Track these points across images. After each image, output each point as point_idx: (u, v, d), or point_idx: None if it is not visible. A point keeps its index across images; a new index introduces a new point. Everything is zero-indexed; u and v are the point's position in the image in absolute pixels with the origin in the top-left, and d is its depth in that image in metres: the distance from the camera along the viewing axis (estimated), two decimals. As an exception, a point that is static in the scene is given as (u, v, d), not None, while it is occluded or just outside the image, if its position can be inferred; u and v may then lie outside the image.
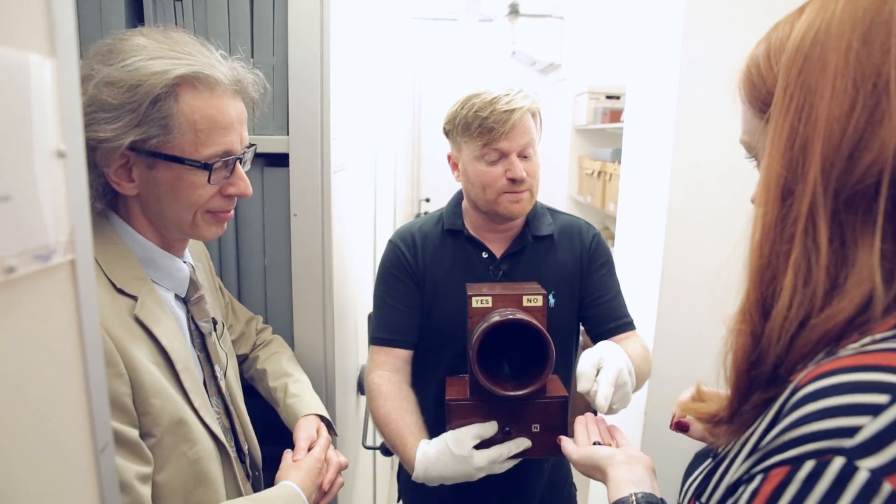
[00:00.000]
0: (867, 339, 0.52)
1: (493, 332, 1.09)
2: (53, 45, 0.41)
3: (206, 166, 0.91)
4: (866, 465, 0.45)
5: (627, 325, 1.42)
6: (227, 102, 0.93)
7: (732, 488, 0.58)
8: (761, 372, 0.60)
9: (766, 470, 0.51)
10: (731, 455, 0.62)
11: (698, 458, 0.76)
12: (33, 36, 0.40)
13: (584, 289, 1.42)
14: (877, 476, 0.45)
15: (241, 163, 0.98)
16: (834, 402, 0.48)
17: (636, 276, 2.05)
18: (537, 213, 1.42)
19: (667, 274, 1.84)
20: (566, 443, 1.03)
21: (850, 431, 0.46)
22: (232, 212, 1.01)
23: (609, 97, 3.72)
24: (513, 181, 1.28)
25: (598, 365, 1.11)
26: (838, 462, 0.46)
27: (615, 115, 3.48)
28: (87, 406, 0.45)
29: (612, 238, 2.39)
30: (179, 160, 0.89)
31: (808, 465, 0.48)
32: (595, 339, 1.44)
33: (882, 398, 0.47)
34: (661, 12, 1.87)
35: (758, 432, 0.57)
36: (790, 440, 0.50)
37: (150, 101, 0.85)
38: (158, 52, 0.87)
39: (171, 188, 0.91)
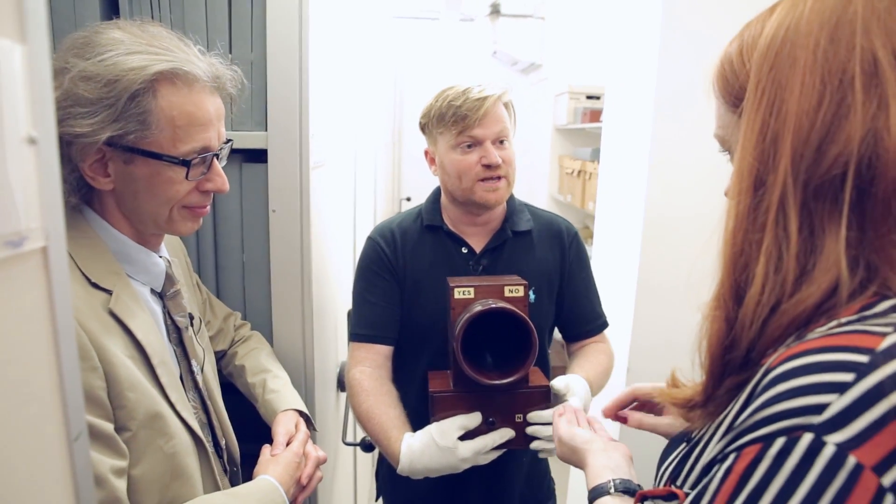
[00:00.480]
0: (833, 323, 0.54)
1: (476, 323, 1.10)
2: (24, 31, 0.41)
3: (185, 162, 0.91)
4: (833, 440, 0.47)
5: (602, 326, 1.49)
6: (205, 98, 0.93)
7: (707, 468, 0.59)
8: (735, 356, 0.62)
9: (739, 448, 0.53)
10: (706, 438, 0.64)
11: (673, 443, 0.78)
12: (3, 21, 0.40)
13: (565, 289, 1.45)
14: (843, 450, 0.47)
15: (217, 158, 0.98)
16: (803, 382, 0.50)
17: (614, 275, 2.07)
18: (515, 209, 1.44)
19: (644, 272, 1.86)
20: (556, 419, 1.04)
21: (818, 409, 0.48)
22: (208, 207, 1.00)
23: (589, 97, 3.75)
24: (488, 167, 1.30)
25: (562, 394, 1.19)
26: (807, 438, 0.48)
27: (595, 115, 3.50)
28: (60, 394, 0.45)
29: (592, 237, 2.41)
30: (157, 156, 0.89)
31: (779, 442, 0.50)
32: (571, 338, 1.49)
33: (847, 377, 0.49)
34: (639, 14, 1.89)
35: (731, 414, 0.59)
36: (762, 419, 0.52)
37: (129, 97, 0.84)
38: (136, 47, 0.87)
39: (147, 183, 0.91)
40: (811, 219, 0.57)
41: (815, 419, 0.48)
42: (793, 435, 0.49)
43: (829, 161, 0.55)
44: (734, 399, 0.61)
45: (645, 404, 1.04)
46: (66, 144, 0.85)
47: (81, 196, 0.92)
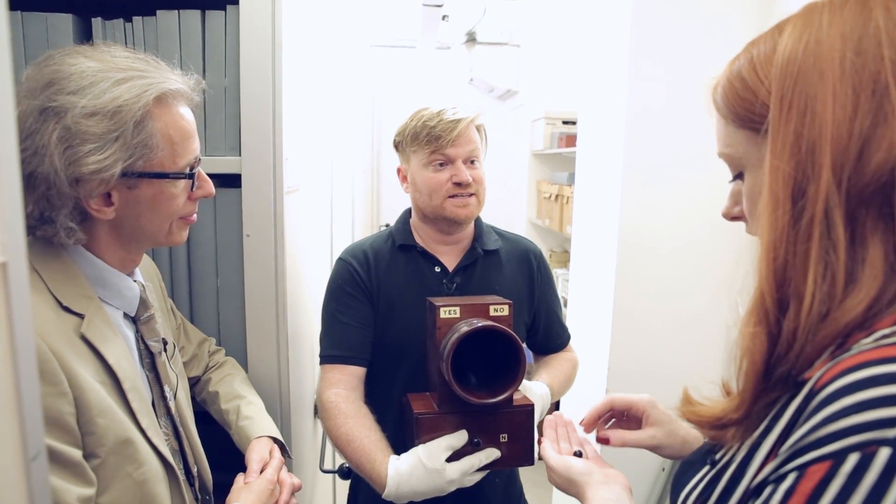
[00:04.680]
0: (879, 334, 0.54)
1: (464, 342, 1.10)
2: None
3: (190, 175, 0.95)
4: None
5: (568, 339, 1.57)
6: (185, 110, 0.96)
7: (756, 491, 0.57)
8: (782, 371, 0.60)
9: (802, 467, 0.51)
10: (738, 460, 0.62)
11: (688, 466, 0.76)
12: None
13: (537, 309, 1.49)
14: None
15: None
16: (870, 395, 0.49)
17: (591, 297, 2.08)
18: (483, 230, 1.47)
19: (619, 294, 1.88)
20: (546, 446, 1.01)
21: (892, 422, 0.47)
22: (196, 214, 1.04)
23: (565, 122, 3.80)
24: (458, 185, 1.34)
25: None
26: (885, 453, 0.46)
27: (571, 140, 3.54)
28: (18, 413, 0.44)
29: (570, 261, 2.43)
30: (164, 175, 0.92)
31: (853, 458, 0.48)
32: (541, 352, 1.55)
33: None
34: (609, 40, 1.93)
35: (774, 433, 0.57)
36: (827, 435, 0.50)
37: (133, 125, 0.87)
38: (119, 74, 0.88)
39: (151, 204, 0.93)
40: (855, 226, 0.57)
41: (891, 433, 0.47)
42: (867, 450, 0.47)
43: (872, 168, 0.55)
44: (766, 417, 0.60)
45: (621, 416, 1.03)
46: (74, 183, 0.85)
47: (84, 228, 0.91)
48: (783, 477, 0.52)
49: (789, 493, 0.51)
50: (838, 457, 0.48)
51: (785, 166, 0.59)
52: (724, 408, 0.67)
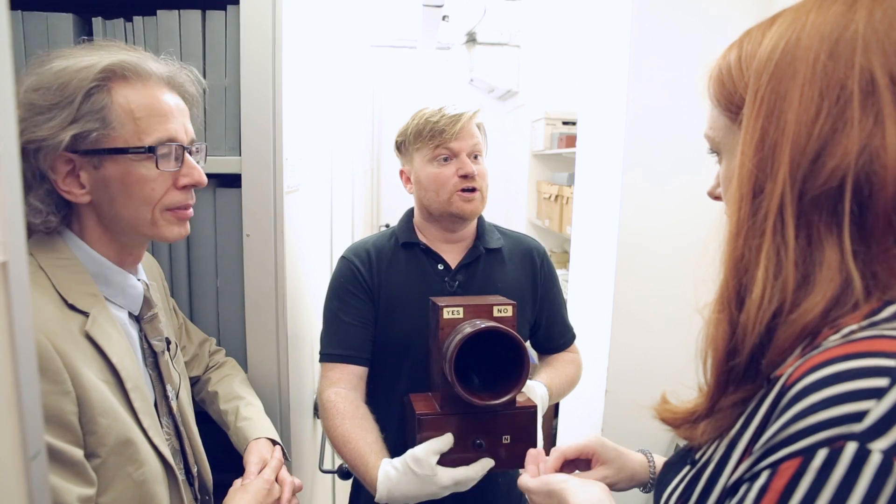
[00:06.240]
0: (846, 330, 0.54)
1: (467, 343, 1.10)
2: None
3: (151, 150, 0.91)
4: (878, 447, 0.46)
5: (572, 338, 1.57)
6: (161, 92, 0.94)
7: (732, 489, 0.57)
8: (738, 363, 0.61)
9: (774, 465, 0.51)
10: (717, 458, 0.63)
11: (670, 468, 0.77)
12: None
13: (540, 307, 1.48)
14: (888, 457, 0.46)
15: (190, 154, 0.98)
16: (837, 391, 0.49)
17: (591, 298, 2.08)
18: (486, 229, 1.47)
19: (619, 294, 1.88)
20: (523, 476, 1.00)
21: (858, 416, 0.47)
22: (192, 210, 1.00)
23: (565, 123, 3.80)
24: (464, 178, 1.35)
25: None
26: (851, 447, 0.47)
27: (571, 141, 3.55)
28: (18, 412, 0.44)
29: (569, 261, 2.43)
30: (123, 150, 0.89)
31: (822, 454, 0.48)
32: (544, 352, 1.55)
33: (882, 381, 0.48)
34: (609, 42, 1.93)
35: (749, 431, 0.58)
36: (797, 432, 0.50)
37: (83, 96, 0.86)
38: (83, 53, 0.89)
39: (122, 185, 0.90)
40: (809, 229, 0.57)
41: (857, 427, 0.47)
42: (835, 445, 0.48)
43: (826, 173, 0.56)
44: (743, 415, 0.60)
45: (573, 462, 1.03)
46: (34, 154, 0.85)
47: (62, 217, 0.92)
48: (757, 475, 0.53)
49: (763, 490, 0.51)
50: (808, 453, 0.49)
51: (748, 161, 0.61)
52: (696, 403, 0.69)
